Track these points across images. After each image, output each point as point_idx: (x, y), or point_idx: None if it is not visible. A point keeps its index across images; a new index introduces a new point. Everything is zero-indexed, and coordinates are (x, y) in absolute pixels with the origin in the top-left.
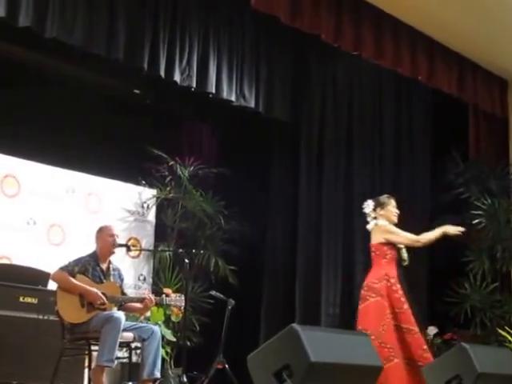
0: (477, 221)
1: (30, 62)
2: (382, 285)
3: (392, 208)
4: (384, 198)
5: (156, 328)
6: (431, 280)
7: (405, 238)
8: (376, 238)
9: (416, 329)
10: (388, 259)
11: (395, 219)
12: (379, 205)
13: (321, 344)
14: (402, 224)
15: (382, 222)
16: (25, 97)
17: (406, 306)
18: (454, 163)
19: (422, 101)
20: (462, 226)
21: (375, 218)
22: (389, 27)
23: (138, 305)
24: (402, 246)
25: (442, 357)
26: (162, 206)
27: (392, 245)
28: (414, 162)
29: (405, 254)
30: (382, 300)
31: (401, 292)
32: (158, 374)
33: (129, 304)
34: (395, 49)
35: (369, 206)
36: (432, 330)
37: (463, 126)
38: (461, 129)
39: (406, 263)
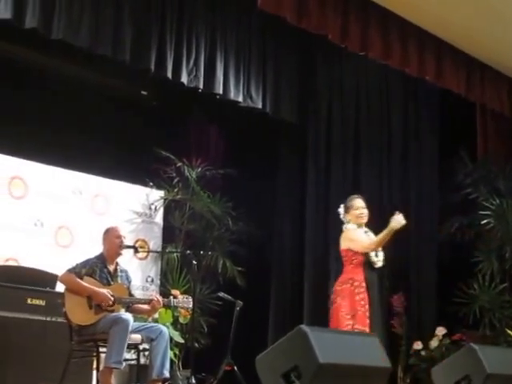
0: (485, 221)
1: (35, 64)
2: (344, 287)
3: (355, 210)
4: (348, 201)
5: (164, 328)
6: (440, 281)
7: (360, 246)
8: (343, 244)
9: (367, 330)
10: (354, 264)
11: (361, 220)
12: (345, 209)
13: (329, 345)
14: (410, 225)
15: (351, 225)
16: (31, 98)
17: (363, 309)
18: (462, 163)
19: (430, 101)
20: (470, 226)
21: (348, 222)
22: (396, 27)
23: (146, 306)
24: None
25: (451, 358)
26: (169, 208)
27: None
28: (421, 162)
29: (374, 257)
30: (342, 301)
31: (362, 296)
32: (167, 374)
33: (136, 306)
34: (402, 49)
35: (340, 212)
36: (441, 331)
37: (471, 125)
38: (469, 129)
39: (377, 265)
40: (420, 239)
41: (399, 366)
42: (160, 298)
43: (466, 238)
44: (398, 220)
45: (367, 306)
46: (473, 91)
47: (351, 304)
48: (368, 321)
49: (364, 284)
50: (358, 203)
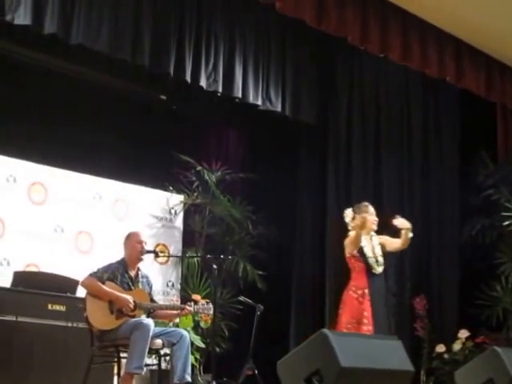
0: (507, 222)
1: (54, 68)
2: (347, 294)
3: (370, 216)
4: (361, 206)
5: (185, 332)
6: (462, 283)
7: (347, 247)
8: (346, 251)
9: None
10: (357, 271)
11: (374, 227)
12: (358, 212)
13: (351, 349)
14: (431, 227)
15: (352, 233)
16: (51, 104)
17: (367, 314)
18: (482, 164)
19: (450, 101)
20: (492, 228)
21: (354, 227)
22: (415, 29)
23: (167, 311)
24: (370, 255)
25: (474, 361)
26: (189, 212)
27: (358, 256)
28: (442, 163)
29: (374, 264)
30: (345, 308)
31: (367, 303)
32: (188, 378)
33: (158, 311)
34: (422, 50)
35: (347, 215)
36: (464, 334)
37: (492, 126)
38: (489, 129)
39: (377, 271)
40: (441, 241)
41: (422, 369)
42: (189, 309)
43: (487, 239)
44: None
45: (371, 313)
46: (493, 91)
47: (352, 311)
48: (371, 328)
49: (367, 291)
50: (372, 210)
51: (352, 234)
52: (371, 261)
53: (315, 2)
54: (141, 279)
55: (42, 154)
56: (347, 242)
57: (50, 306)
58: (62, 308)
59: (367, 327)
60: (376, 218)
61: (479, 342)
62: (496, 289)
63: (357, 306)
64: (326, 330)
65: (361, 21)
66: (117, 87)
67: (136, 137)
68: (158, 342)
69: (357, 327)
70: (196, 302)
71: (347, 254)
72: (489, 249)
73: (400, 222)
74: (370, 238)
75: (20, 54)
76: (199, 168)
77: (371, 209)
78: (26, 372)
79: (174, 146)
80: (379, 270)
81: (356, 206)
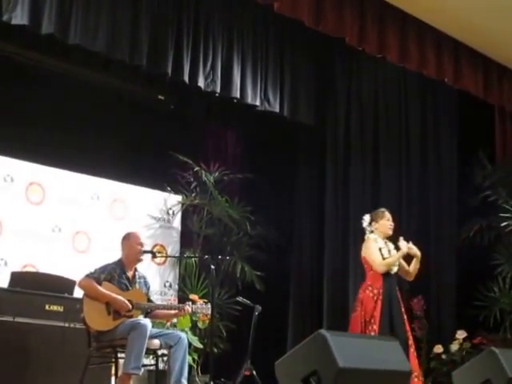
0: (505, 223)
1: (53, 68)
2: (364, 294)
3: (387, 221)
4: (379, 211)
5: (183, 335)
6: (460, 284)
7: (372, 263)
8: (363, 252)
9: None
10: (374, 271)
11: (389, 232)
12: (374, 218)
13: (349, 350)
14: (429, 227)
15: (373, 235)
16: (49, 103)
17: (375, 312)
18: (480, 166)
19: (448, 102)
20: (490, 228)
21: (372, 231)
22: (413, 30)
23: (164, 311)
24: (387, 256)
25: (471, 361)
26: (187, 212)
27: None
28: (440, 164)
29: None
30: (361, 309)
31: (379, 302)
32: (184, 382)
33: (156, 311)
34: (420, 51)
35: (365, 220)
36: (461, 334)
37: (490, 127)
38: (487, 131)
39: (393, 271)
40: (439, 242)
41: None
42: (187, 309)
43: (485, 240)
44: (408, 246)
45: (379, 313)
46: (491, 93)
47: (366, 310)
48: (376, 328)
49: (381, 291)
50: (388, 215)
51: (369, 237)
52: None
53: (313, 2)
54: (138, 280)
55: (40, 153)
56: (370, 247)
57: (47, 307)
58: (60, 308)
59: (372, 326)
60: (392, 224)
61: (477, 343)
62: (493, 290)
63: (372, 305)
64: (323, 331)
65: (358, 21)
66: (114, 87)
67: (134, 137)
68: (156, 342)
69: (366, 326)
70: (194, 302)
71: (364, 255)
72: (486, 250)
73: (408, 246)
74: (385, 243)
75: (18, 55)
76: (197, 169)
77: (387, 214)
78: (23, 372)
79: (172, 147)
80: (394, 269)
81: (374, 212)
